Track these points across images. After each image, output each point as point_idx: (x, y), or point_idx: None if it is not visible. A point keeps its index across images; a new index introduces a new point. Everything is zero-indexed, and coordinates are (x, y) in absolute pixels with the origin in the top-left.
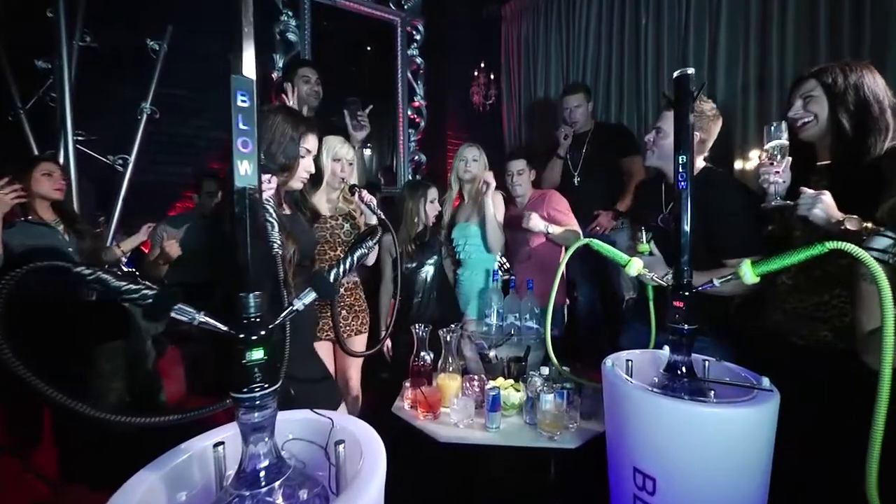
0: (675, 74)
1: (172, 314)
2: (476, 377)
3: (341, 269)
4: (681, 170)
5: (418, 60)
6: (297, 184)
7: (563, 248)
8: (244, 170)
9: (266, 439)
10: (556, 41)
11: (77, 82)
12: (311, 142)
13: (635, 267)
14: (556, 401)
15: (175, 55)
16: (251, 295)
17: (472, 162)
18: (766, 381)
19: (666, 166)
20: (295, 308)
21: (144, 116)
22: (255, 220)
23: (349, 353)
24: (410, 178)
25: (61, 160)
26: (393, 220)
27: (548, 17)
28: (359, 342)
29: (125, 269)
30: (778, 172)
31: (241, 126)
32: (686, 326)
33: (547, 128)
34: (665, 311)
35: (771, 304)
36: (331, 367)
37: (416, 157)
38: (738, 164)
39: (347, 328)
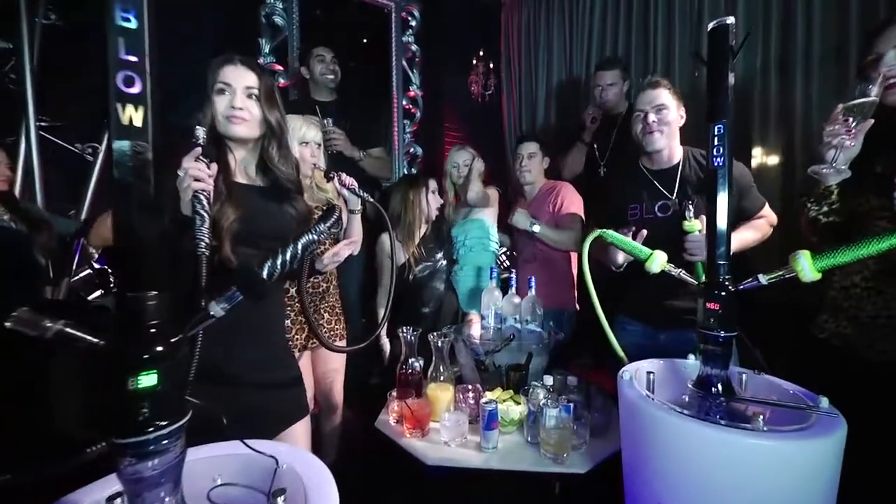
0: (712, 25)
1: (8, 324)
2: (471, 387)
3: (278, 262)
4: (716, 143)
5: (414, 48)
6: (234, 128)
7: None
8: (128, 119)
9: (165, 499)
10: (559, 28)
11: (40, 64)
12: (230, 75)
13: (658, 262)
14: (562, 416)
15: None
16: (143, 295)
17: (463, 167)
18: (824, 402)
19: (672, 146)
20: (210, 314)
21: None
22: (146, 192)
23: (334, 350)
24: (406, 171)
25: (22, 148)
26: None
27: (550, 2)
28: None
29: (97, 266)
30: (851, 133)
31: (124, 56)
32: (723, 333)
33: (554, 116)
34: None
35: (833, 311)
36: (308, 379)
37: (412, 150)
38: (755, 154)
39: (331, 333)
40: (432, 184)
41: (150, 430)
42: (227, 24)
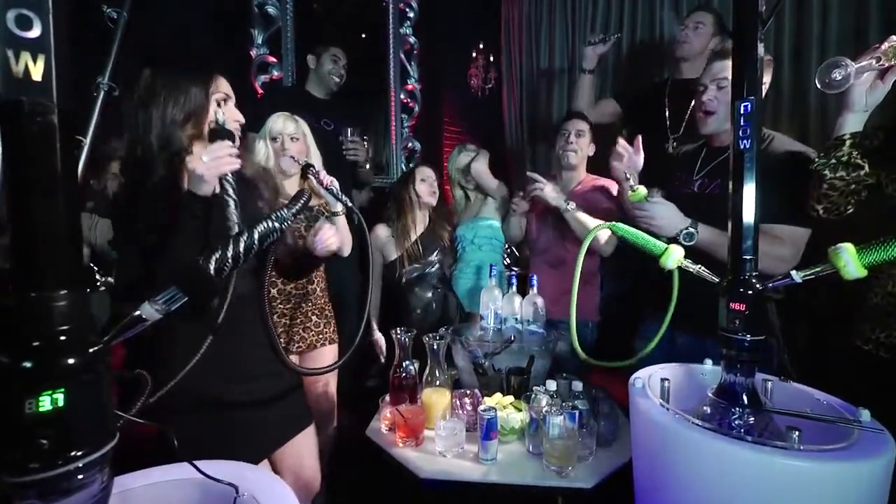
0: None
1: None
2: (468, 392)
3: (229, 254)
4: (742, 122)
5: (412, 40)
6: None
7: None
8: (23, 69)
9: None
10: (561, 18)
11: None
12: (224, 85)
13: (674, 258)
14: (567, 424)
15: (137, 25)
16: (47, 295)
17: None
18: (866, 415)
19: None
20: (143, 318)
21: (101, 94)
22: (50, 164)
23: (295, 371)
24: (404, 167)
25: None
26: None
27: None
28: (330, 353)
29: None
30: (888, 69)
31: None
32: (749, 337)
33: (556, 110)
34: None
35: (880, 319)
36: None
37: (410, 145)
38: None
39: (320, 336)
40: (420, 172)
41: (61, 462)
42: (219, 14)
